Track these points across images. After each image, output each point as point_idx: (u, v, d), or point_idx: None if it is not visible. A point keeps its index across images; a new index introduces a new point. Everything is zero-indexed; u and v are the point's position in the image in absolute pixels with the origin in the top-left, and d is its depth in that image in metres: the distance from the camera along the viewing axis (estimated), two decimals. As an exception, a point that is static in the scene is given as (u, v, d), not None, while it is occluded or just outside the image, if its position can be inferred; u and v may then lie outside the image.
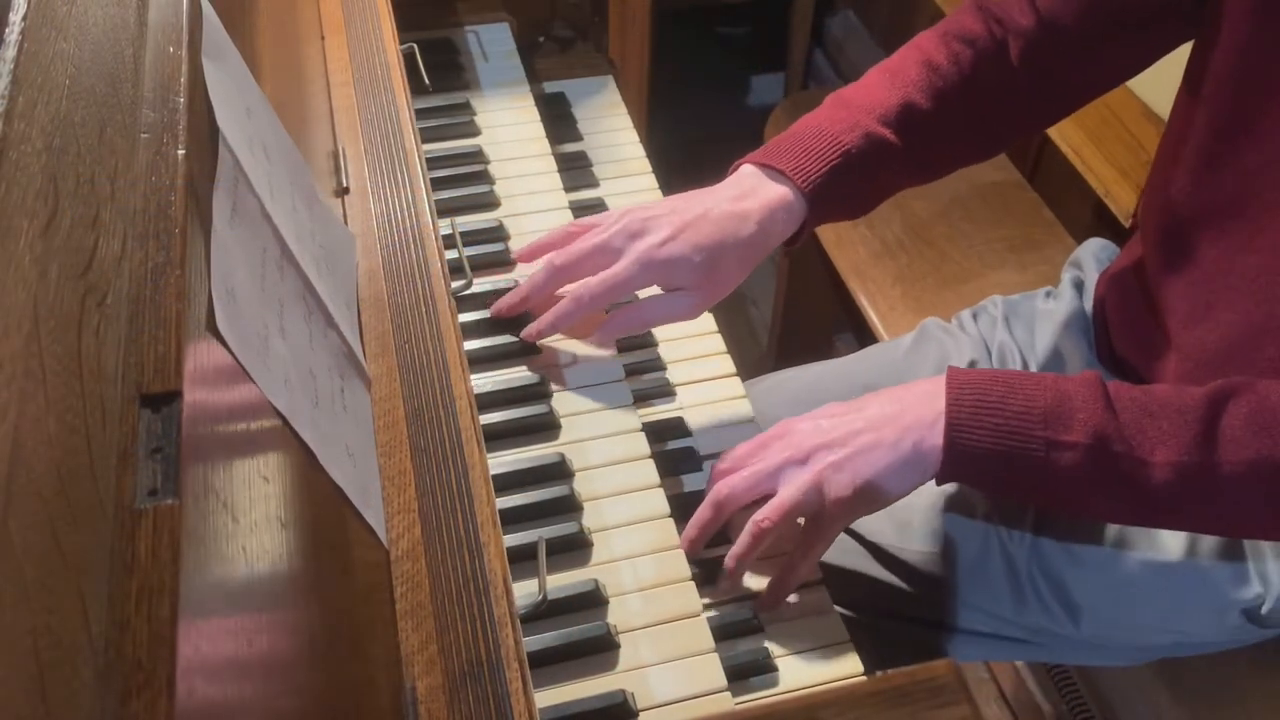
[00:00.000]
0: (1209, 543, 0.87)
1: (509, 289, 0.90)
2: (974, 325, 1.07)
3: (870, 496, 0.74)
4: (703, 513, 0.77)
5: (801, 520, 0.77)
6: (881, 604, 0.90)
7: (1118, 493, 0.71)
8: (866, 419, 0.74)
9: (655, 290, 0.85)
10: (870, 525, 0.91)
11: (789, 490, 0.74)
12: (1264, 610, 0.87)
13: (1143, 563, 0.87)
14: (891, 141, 0.86)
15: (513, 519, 0.76)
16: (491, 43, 1.17)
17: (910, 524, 0.91)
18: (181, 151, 0.48)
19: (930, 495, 0.90)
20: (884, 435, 0.73)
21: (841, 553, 0.89)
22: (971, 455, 0.72)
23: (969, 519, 0.91)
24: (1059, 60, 0.87)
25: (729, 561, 0.76)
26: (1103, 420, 0.70)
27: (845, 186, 0.85)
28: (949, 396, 0.73)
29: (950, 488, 0.90)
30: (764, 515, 0.74)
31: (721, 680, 0.71)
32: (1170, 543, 0.87)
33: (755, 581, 0.78)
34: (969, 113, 0.88)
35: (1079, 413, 0.70)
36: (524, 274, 0.92)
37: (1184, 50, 0.87)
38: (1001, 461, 0.72)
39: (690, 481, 0.85)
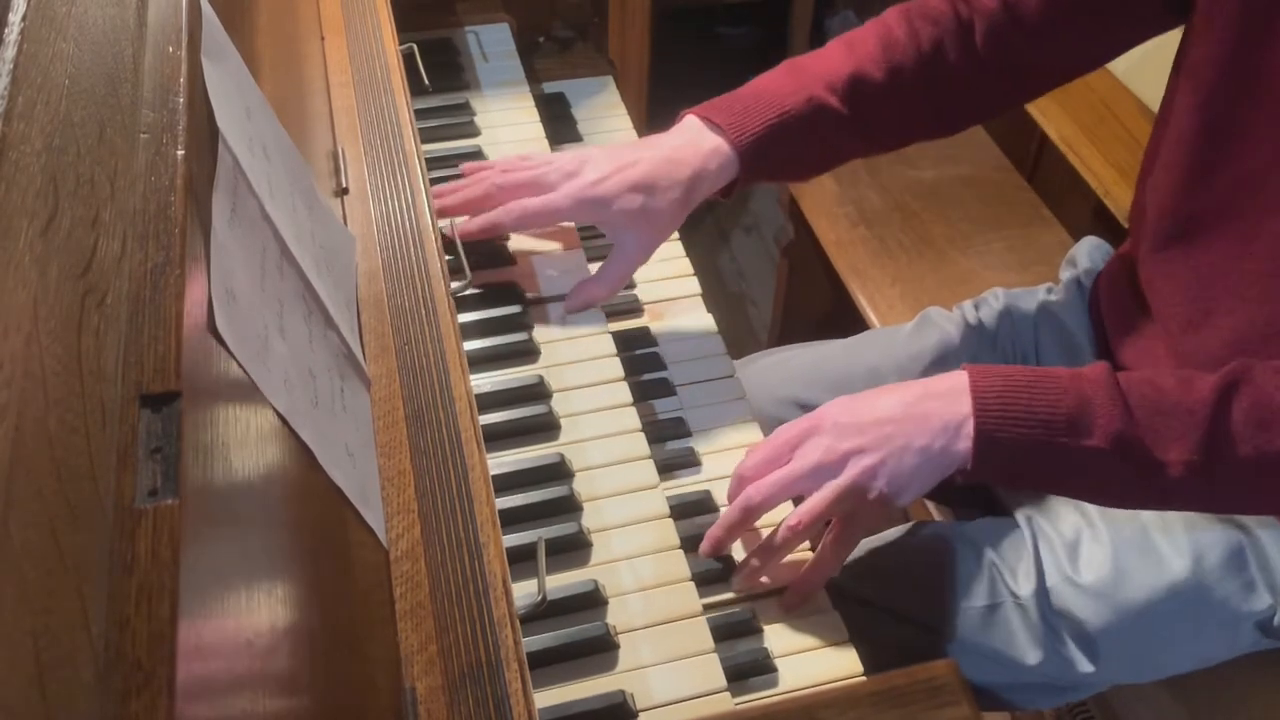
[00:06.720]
0: (1214, 558, 0.85)
1: (509, 289, 0.90)
2: (975, 315, 1.07)
3: (900, 497, 0.75)
4: (731, 515, 0.77)
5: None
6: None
7: (1132, 484, 0.74)
8: (894, 421, 0.75)
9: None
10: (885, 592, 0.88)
11: (825, 494, 0.75)
12: (1277, 621, 0.85)
13: (1148, 586, 0.85)
14: (836, 109, 0.88)
15: (513, 519, 0.76)
16: (491, 43, 1.17)
17: (919, 581, 0.88)
18: (181, 152, 0.48)
19: (932, 549, 0.90)
20: (914, 439, 0.74)
21: (847, 614, 0.85)
22: (998, 458, 0.74)
23: (972, 568, 0.88)
24: (1024, 42, 0.88)
25: (755, 560, 0.77)
26: (1121, 425, 0.72)
27: (783, 148, 0.88)
28: (975, 401, 0.74)
29: (946, 536, 0.90)
30: (799, 519, 0.75)
31: (721, 680, 0.71)
32: (1174, 561, 0.85)
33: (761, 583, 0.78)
34: (925, 88, 0.90)
35: (1099, 418, 0.72)
36: (520, 274, 0.93)
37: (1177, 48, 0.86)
38: (1025, 463, 0.74)
39: (690, 481, 0.85)
